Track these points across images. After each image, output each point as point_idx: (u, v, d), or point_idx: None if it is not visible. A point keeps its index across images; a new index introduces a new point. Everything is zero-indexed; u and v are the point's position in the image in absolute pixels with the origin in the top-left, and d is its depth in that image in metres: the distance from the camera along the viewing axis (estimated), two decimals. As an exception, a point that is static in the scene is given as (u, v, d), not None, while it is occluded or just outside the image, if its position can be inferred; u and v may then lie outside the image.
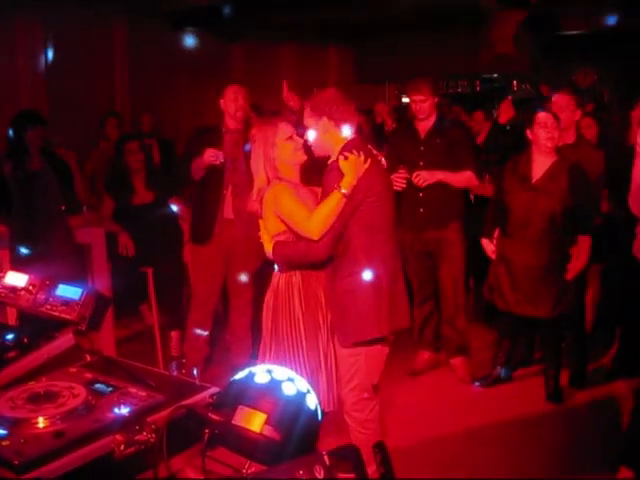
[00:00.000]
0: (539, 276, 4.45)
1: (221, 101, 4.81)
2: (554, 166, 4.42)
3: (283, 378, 1.70)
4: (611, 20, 8.79)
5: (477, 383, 4.94)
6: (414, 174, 4.61)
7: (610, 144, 5.30)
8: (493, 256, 4.70)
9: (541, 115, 4.44)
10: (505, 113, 5.48)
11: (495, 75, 11.85)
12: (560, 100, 4.71)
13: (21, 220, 5.02)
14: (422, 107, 4.73)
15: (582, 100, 5.06)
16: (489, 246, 4.72)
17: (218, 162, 4.61)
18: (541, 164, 4.45)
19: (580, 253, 4.45)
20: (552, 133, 4.38)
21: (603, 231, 4.73)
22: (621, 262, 4.66)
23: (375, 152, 3.38)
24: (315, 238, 3.13)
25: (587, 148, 4.81)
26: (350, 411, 3.37)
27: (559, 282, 4.46)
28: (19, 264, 4.82)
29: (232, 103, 4.74)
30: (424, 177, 4.62)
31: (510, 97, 7.50)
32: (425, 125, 4.82)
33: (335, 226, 3.13)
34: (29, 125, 5.03)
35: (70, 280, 2.49)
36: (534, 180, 4.45)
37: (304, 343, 3.33)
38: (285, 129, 3.37)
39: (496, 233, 4.69)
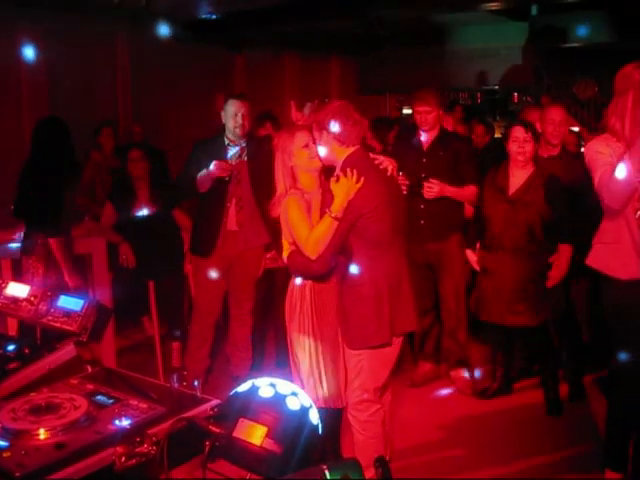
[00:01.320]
0: (519, 286, 4.45)
1: (222, 114, 4.77)
2: (531, 178, 4.44)
3: (287, 392, 1.70)
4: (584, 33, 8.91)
5: (477, 395, 4.94)
6: (427, 183, 4.60)
7: None
8: (477, 267, 4.71)
9: (514, 129, 4.47)
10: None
11: (496, 87, 11.86)
12: (555, 114, 4.71)
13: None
14: (427, 118, 4.73)
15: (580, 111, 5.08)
16: (472, 257, 4.74)
17: (226, 174, 4.60)
18: (518, 176, 4.47)
19: (561, 262, 4.45)
20: (523, 147, 4.40)
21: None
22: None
23: (379, 160, 3.40)
24: (312, 258, 3.23)
25: (569, 158, 4.82)
26: (352, 410, 3.44)
27: (539, 291, 4.47)
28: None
29: (232, 118, 4.70)
30: (435, 191, 4.61)
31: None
32: (428, 137, 4.82)
33: (332, 244, 3.20)
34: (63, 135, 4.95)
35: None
36: (511, 192, 4.47)
37: (313, 348, 3.45)
38: (301, 137, 3.44)
39: (478, 245, 4.71)
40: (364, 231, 3.23)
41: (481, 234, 4.64)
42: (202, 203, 4.87)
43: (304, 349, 3.47)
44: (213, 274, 4.82)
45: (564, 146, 4.89)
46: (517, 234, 4.42)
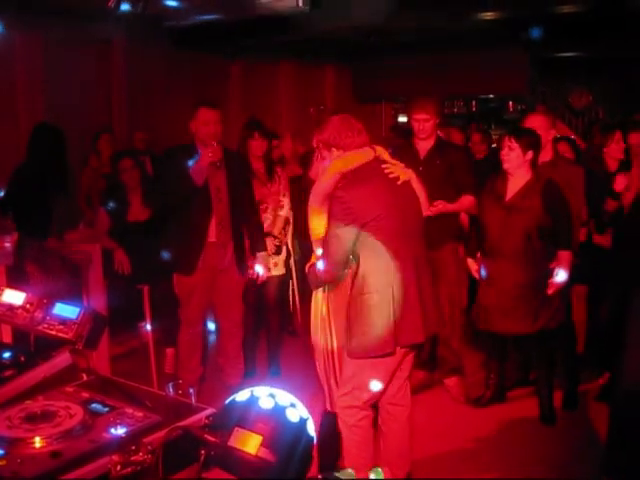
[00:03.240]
0: (517, 293, 4.46)
1: (191, 124, 4.62)
2: (528, 184, 4.46)
3: (286, 404, 1.70)
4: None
5: (471, 403, 4.95)
6: (434, 203, 4.57)
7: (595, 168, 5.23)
8: (477, 276, 4.73)
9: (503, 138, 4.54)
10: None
11: (491, 96, 11.89)
12: (533, 121, 4.76)
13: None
14: (424, 127, 4.74)
15: (575, 120, 5.12)
16: (473, 266, 4.75)
17: (217, 158, 4.51)
18: (515, 183, 4.50)
19: (560, 268, 4.45)
20: (507, 155, 4.44)
21: (585, 252, 4.77)
22: (606, 285, 4.73)
23: (390, 169, 3.38)
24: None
25: (564, 164, 4.85)
26: (340, 414, 3.44)
27: (538, 298, 4.47)
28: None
29: (203, 127, 4.57)
30: (440, 208, 4.56)
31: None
32: (425, 145, 4.83)
33: (337, 253, 3.25)
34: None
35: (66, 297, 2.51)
36: (507, 198, 4.50)
37: (328, 356, 3.50)
38: None
39: (478, 254, 4.73)
40: (368, 240, 3.23)
41: (480, 242, 4.66)
42: (181, 217, 4.71)
43: (320, 356, 3.52)
44: (196, 288, 4.76)
45: (558, 152, 4.91)
46: (514, 240, 4.43)
